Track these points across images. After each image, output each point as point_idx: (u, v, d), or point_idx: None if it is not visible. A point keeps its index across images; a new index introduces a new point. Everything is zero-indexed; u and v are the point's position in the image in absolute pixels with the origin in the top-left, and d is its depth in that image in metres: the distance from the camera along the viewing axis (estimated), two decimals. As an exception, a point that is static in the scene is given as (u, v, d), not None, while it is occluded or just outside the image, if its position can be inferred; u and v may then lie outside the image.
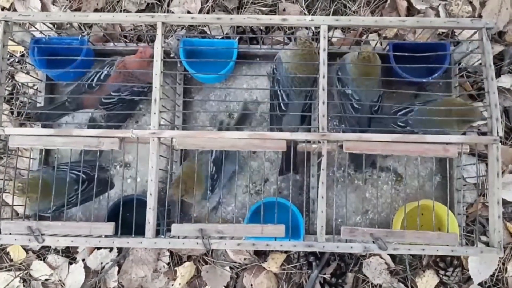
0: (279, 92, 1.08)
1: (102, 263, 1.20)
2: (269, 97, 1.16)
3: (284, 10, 1.28)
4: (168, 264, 1.20)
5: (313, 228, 1.14)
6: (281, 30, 1.28)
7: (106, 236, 0.91)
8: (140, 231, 0.91)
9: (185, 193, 1.00)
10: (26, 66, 1.29)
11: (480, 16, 1.26)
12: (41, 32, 1.13)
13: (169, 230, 0.91)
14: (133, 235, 0.92)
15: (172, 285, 1.18)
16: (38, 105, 1.19)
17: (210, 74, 1.19)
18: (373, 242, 0.88)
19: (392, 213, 1.15)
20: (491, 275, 1.16)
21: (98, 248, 1.20)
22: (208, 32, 1.24)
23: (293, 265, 1.19)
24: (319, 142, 0.93)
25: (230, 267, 1.20)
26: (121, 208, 0.95)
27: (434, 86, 1.21)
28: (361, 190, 1.19)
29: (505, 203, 1.17)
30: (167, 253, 1.20)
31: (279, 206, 0.94)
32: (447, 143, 0.92)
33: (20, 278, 1.20)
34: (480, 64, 0.96)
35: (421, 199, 0.99)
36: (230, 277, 1.19)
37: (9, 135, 0.93)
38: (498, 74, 1.24)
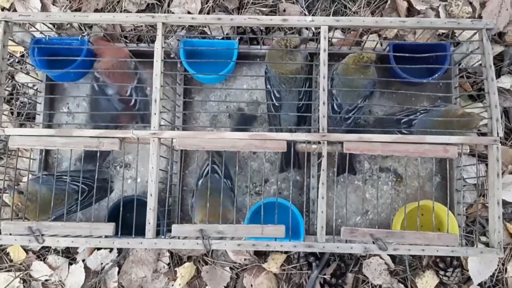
0: (271, 92, 1.09)
1: (102, 263, 1.20)
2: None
3: (284, 10, 1.28)
4: (168, 264, 1.20)
5: (313, 229, 1.15)
6: (281, 31, 1.28)
7: (106, 236, 0.91)
8: (140, 232, 0.91)
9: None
10: (26, 67, 1.29)
11: (480, 17, 1.26)
12: (41, 32, 1.13)
13: (169, 231, 0.91)
14: (133, 236, 0.92)
15: (172, 285, 1.18)
16: (38, 106, 1.19)
17: (210, 75, 1.19)
18: (373, 242, 0.88)
19: (392, 214, 1.15)
20: (490, 276, 1.16)
21: (98, 249, 1.20)
22: (209, 33, 1.25)
23: (293, 265, 1.19)
24: (319, 142, 0.93)
25: (230, 268, 1.20)
26: (121, 209, 0.95)
27: (434, 87, 1.21)
28: (361, 191, 1.19)
29: (505, 203, 1.17)
30: (167, 254, 1.20)
31: (279, 207, 0.94)
32: (447, 144, 0.92)
33: (20, 278, 1.20)
34: (480, 64, 0.96)
35: (421, 200, 0.99)
36: (230, 277, 1.19)
37: (9, 135, 0.93)
38: (498, 75, 1.24)
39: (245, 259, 1.19)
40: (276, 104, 1.08)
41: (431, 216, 0.96)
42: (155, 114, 0.93)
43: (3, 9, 1.32)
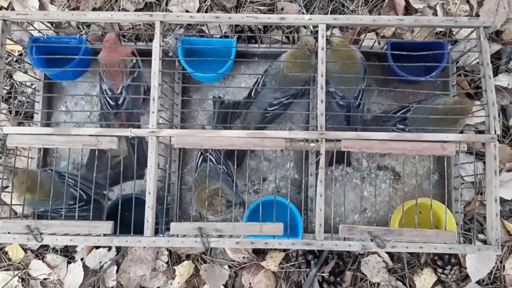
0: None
1: (100, 262, 1.20)
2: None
3: (282, 9, 1.28)
4: (167, 263, 1.20)
5: (312, 227, 1.15)
6: (279, 29, 1.28)
7: (105, 235, 0.91)
8: (139, 230, 0.91)
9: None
10: (24, 65, 1.29)
11: (477, 15, 1.26)
12: (39, 31, 1.13)
13: (168, 229, 0.91)
14: (131, 234, 0.92)
15: (171, 284, 1.19)
16: (36, 104, 1.19)
17: (208, 73, 1.19)
18: (371, 240, 0.88)
19: (390, 212, 1.15)
20: (488, 273, 1.16)
21: (97, 247, 1.20)
22: (207, 31, 1.24)
23: (291, 263, 1.19)
24: (317, 140, 0.94)
25: (229, 266, 1.20)
26: (119, 207, 0.95)
27: (432, 85, 1.22)
28: (359, 189, 1.19)
29: (502, 201, 1.17)
30: (166, 252, 1.20)
31: (277, 205, 0.94)
32: (444, 142, 0.92)
33: (19, 277, 1.20)
34: (478, 63, 0.97)
35: (419, 198, 0.99)
36: (229, 275, 1.19)
37: (8, 134, 0.93)
38: (496, 73, 1.24)
39: (243, 257, 1.19)
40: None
41: (429, 213, 0.96)
42: (153, 112, 0.93)
43: (1, 8, 1.32)
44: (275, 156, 1.20)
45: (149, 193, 0.91)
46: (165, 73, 1.13)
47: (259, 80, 1.12)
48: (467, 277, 1.17)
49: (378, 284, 1.18)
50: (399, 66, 1.10)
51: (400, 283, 1.18)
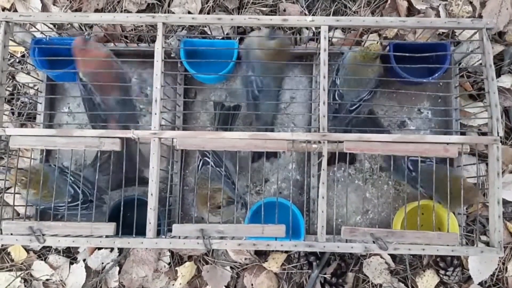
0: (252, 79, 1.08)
1: (103, 263, 1.20)
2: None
3: (284, 10, 1.28)
4: (169, 264, 1.20)
5: (314, 228, 1.15)
6: (281, 30, 1.28)
7: (107, 236, 0.91)
8: (141, 231, 0.91)
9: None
10: (26, 67, 1.29)
11: (480, 16, 1.26)
12: (41, 32, 1.13)
13: (170, 230, 0.91)
14: (134, 235, 0.92)
15: (173, 285, 1.19)
16: (38, 106, 1.19)
17: (210, 75, 1.19)
18: (374, 242, 0.88)
19: (392, 213, 1.15)
20: (491, 275, 1.16)
21: (99, 248, 1.20)
22: (209, 33, 1.25)
23: (293, 265, 1.19)
24: (319, 142, 0.93)
25: (231, 267, 1.20)
26: (122, 208, 0.95)
27: (435, 86, 1.21)
28: (362, 190, 1.19)
29: (505, 202, 1.17)
30: (168, 253, 1.20)
31: (279, 206, 0.94)
32: (447, 143, 0.92)
33: (21, 278, 1.20)
34: (481, 64, 0.96)
35: (421, 199, 0.99)
36: (231, 277, 1.19)
37: (10, 135, 0.94)
38: (498, 74, 1.24)
39: (245, 259, 1.19)
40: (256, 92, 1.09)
41: (432, 215, 0.96)
42: (155, 114, 0.93)
43: (3, 9, 1.32)
44: (277, 157, 1.20)
45: (151, 194, 0.91)
46: (168, 75, 1.13)
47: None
48: (469, 278, 1.17)
49: (380, 285, 1.18)
50: (401, 68, 1.09)
51: (402, 285, 1.18)
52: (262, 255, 1.20)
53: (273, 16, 1.22)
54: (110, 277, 1.19)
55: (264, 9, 1.29)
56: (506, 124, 1.23)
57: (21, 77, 1.27)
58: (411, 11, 1.27)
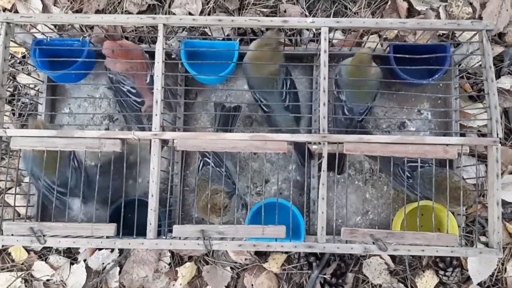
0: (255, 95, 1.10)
1: (103, 263, 1.20)
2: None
3: (285, 11, 1.29)
4: (169, 264, 1.20)
5: (314, 229, 1.15)
6: (282, 31, 1.28)
7: (107, 237, 0.91)
8: (141, 232, 0.92)
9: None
10: (27, 68, 1.29)
11: (480, 18, 1.26)
12: (42, 33, 1.14)
13: (170, 231, 0.91)
14: (134, 236, 0.92)
15: (173, 285, 1.19)
16: (39, 107, 1.19)
17: (211, 76, 1.19)
18: (373, 243, 0.88)
19: (392, 214, 1.15)
20: (490, 275, 1.17)
21: (100, 249, 1.20)
22: (209, 34, 1.25)
23: (293, 265, 1.19)
24: (319, 143, 0.94)
25: (231, 267, 1.20)
26: (122, 209, 0.95)
27: (435, 88, 1.22)
28: (362, 191, 1.19)
29: (504, 203, 1.17)
30: (168, 254, 1.20)
31: (279, 207, 0.94)
32: (447, 145, 0.92)
33: (22, 278, 1.20)
34: (480, 65, 0.97)
35: (421, 200, 0.99)
36: (231, 277, 1.19)
37: (11, 136, 0.94)
38: (498, 76, 1.24)
39: (245, 259, 1.19)
40: (263, 106, 1.10)
41: (431, 216, 0.96)
42: (156, 115, 0.94)
43: (4, 10, 1.32)
44: (278, 158, 1.20)
45: (152, 195, 0.91)
46: (168, 76, 1.14)
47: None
48: (468, 279, 1.17)
49: (380, 286, 1.18)
50: (401, 69, 1.10)
51: (401, 285, 1.18)
52: (262, 255, 1.20)
53: (274, 17, 1.22)
54: (110, 277, 1.20)
55: (264, 10, 1.29)
56: (506, 125, 1.24)
57: (22, 78, 1.28)
58: (411, 11, 1.28)
